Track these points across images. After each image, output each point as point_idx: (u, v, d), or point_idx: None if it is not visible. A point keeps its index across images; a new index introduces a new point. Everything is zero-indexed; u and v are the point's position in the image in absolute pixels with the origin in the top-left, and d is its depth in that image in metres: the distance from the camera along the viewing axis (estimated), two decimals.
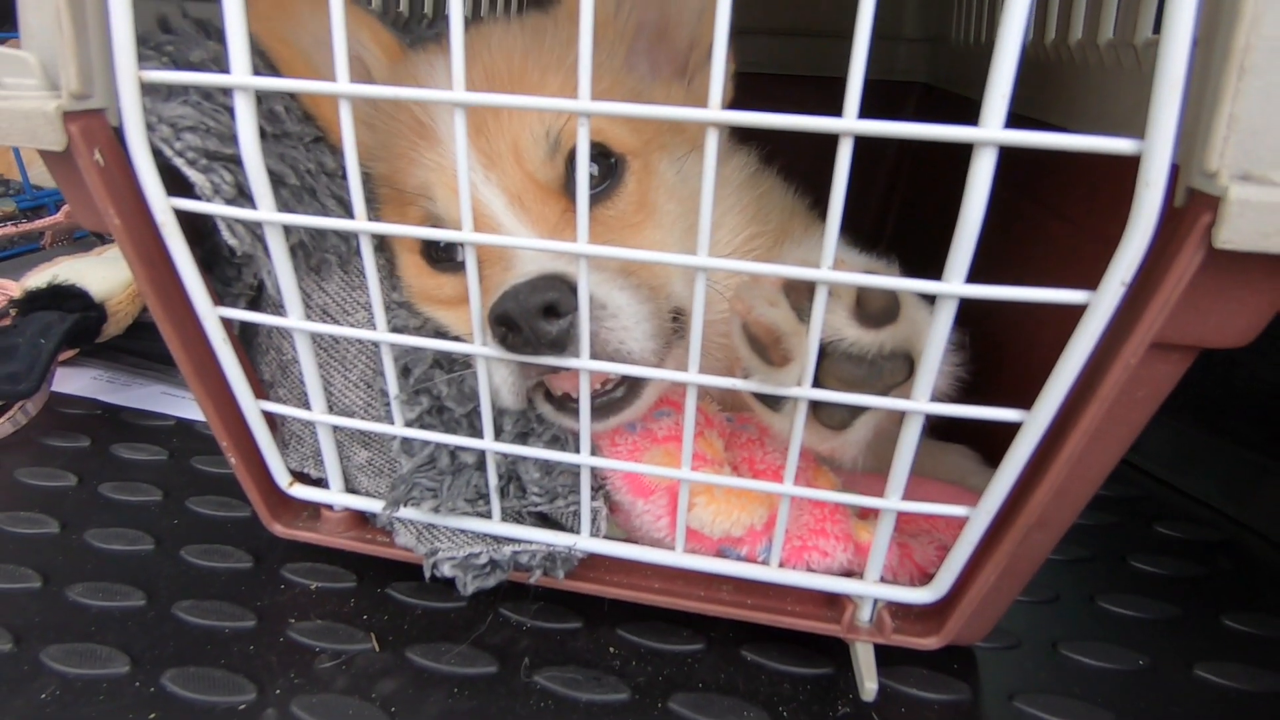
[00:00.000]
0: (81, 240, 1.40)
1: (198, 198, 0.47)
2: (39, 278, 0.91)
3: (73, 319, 0.86)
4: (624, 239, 0.53)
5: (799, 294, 0.43)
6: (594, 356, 0.45)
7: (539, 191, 0.52)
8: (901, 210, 1.20)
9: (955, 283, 0.37)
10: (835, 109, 0.35)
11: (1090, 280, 0.37)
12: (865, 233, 0.54)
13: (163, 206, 0.45)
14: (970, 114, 0.34)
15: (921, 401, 0.42)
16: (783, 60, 1.21)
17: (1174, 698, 0.56)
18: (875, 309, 0.41)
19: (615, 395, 0.51)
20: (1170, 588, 0.67)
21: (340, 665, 0.55)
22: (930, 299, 0.40)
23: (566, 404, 0.51)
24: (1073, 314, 0.37)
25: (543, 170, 0.52)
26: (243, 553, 0.66)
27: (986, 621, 0.55)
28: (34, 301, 0.87)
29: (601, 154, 0.54)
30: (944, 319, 0.39)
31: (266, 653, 0.56)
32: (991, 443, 0.64)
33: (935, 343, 0.40)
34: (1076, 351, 0.38)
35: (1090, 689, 0.56)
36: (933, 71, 1.16)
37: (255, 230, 0.49)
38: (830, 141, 0.36)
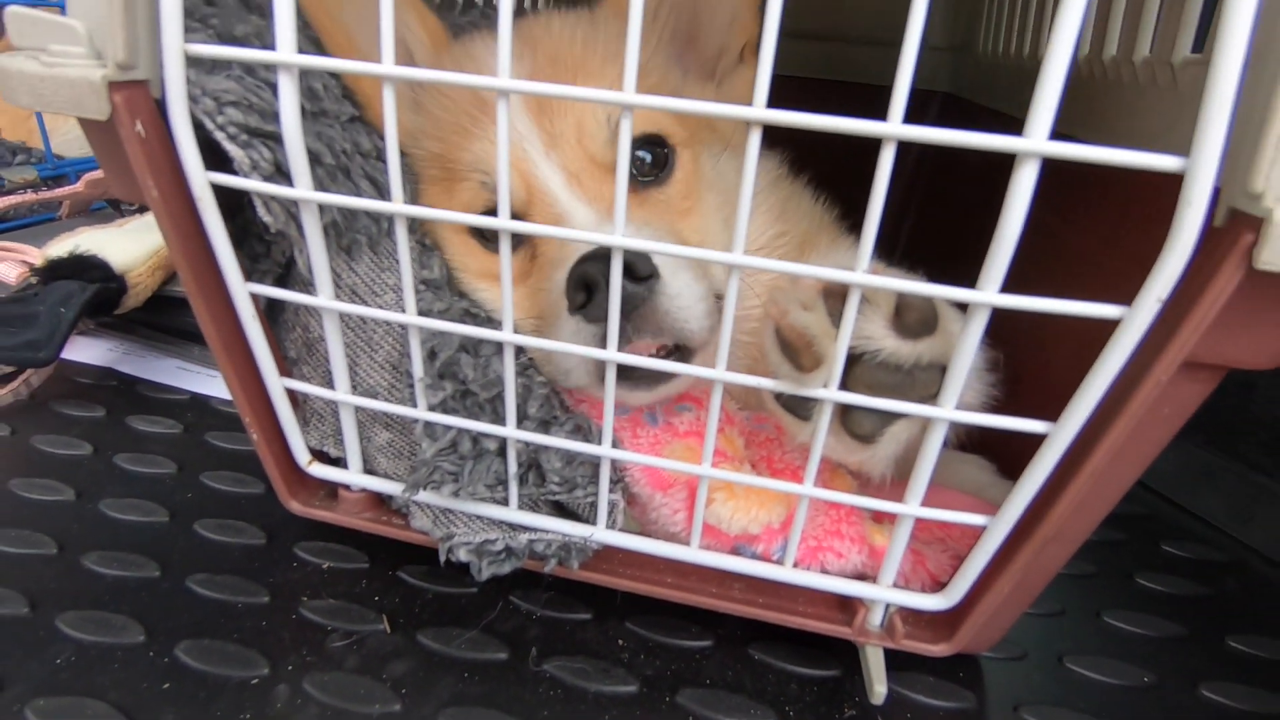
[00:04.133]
0: (98, 213, 1.41)
1: (235, 173, 0.47)
2: (60, 247, 0.91)
3: (94, 289, 0.86)
4: (674, 221, 0.56)
5: (836, 300, 0.43)
6: (655, 332, 0.47)
7: (597, 170, 0.54)
8: (917, 222, 1.20)
9: (990, 291, 0.38)
10: (854, 113, 0.36)
11: (1110, 296, 0.37)
12: (882, 244, 0.54)
13: (201, 180, 0.46)
14: (992, 125, 0.34)
15: (947, 409, 0.42)
16: (804, 63, 1.21)
17: (1179, 716, 0.56)
18: (913, 320, 0.41)
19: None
20: (1176, 606, 0.68)
21: (351, 645, 0.56)
22: (964, 309, 0.40)
23: (632, 373, 0.50)
24: (1096, 329, 0.37)
25: (604, 153, 0.54)
26: (256, 529, 0.67)
27: (996, 631, 0.55)
28: (55, 270, 0.87)
29: (658, 143, 0.57)
30: (976, 327, 0.39)
31: (279, 629, 0.57)
32: (1007, 456, 0.64)
33: (965, 350, 0.40)
34: (1108, 365, 0.38)
35: (1095, 703, 0.57)
36: (955, 81, 1.16)
37: (290, 208, 0.49)
38: (856, 148, 0.37)
